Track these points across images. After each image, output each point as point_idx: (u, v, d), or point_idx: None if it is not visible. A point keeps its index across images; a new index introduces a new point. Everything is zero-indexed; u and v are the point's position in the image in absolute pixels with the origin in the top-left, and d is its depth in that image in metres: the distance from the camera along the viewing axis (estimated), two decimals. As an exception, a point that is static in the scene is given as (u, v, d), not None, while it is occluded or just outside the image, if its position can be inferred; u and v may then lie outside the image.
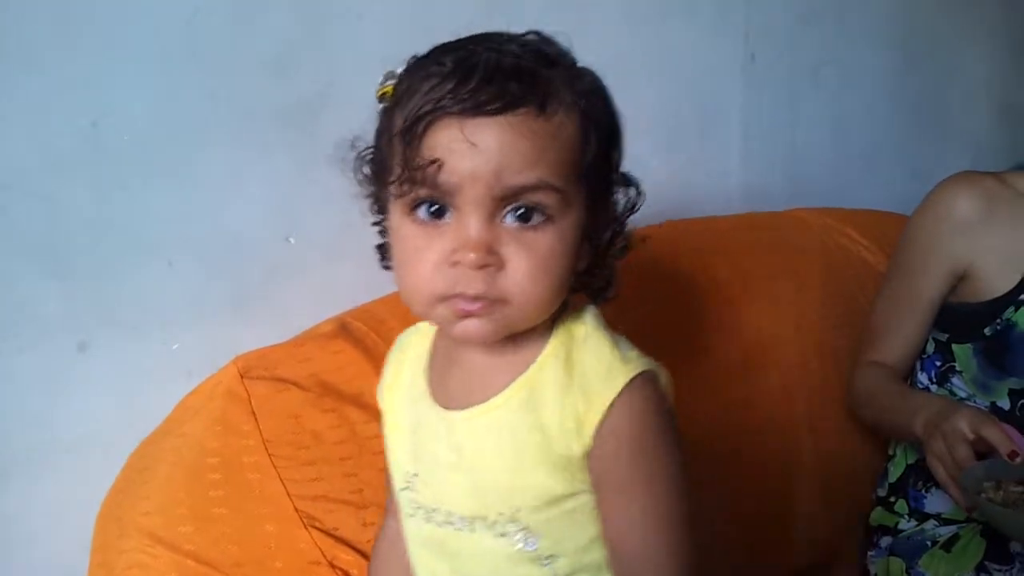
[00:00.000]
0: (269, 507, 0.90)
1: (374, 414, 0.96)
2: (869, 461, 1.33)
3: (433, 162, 0.61)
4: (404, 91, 0.65)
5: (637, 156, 0.72)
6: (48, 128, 0.97)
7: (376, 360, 1.00)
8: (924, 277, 1.17)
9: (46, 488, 1.02)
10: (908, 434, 1.09)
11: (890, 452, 1.27)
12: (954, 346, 1.18)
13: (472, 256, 0.62)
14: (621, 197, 0.70)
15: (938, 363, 1.20)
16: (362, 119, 0.70)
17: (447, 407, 0.72)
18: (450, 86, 0.61)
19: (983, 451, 0.98)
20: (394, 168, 0.64)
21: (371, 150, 0.70)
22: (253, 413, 0.94)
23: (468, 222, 0.62)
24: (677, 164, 1.49)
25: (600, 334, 0.69)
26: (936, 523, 1.18)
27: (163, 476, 0.92)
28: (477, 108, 0.61)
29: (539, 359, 0.69)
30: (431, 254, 0.64)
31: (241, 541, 0.89)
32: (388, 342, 1.02)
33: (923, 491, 1.20)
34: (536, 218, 0.63)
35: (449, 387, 0.73)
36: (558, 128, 0.63)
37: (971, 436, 0.96)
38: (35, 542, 1.03)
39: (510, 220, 0.63)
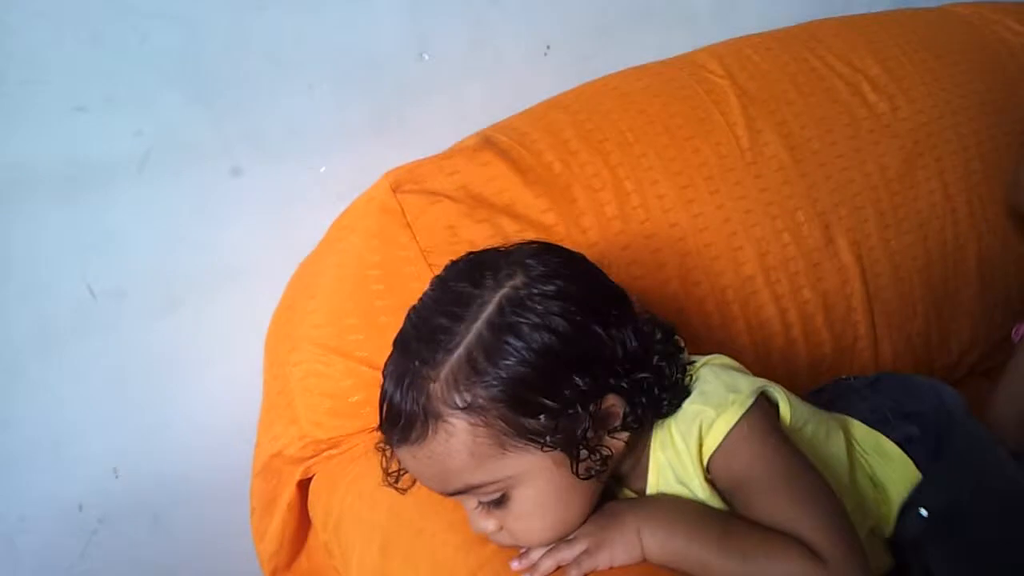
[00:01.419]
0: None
1: (526, 224, 0.96)
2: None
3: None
4: None
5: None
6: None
7: (523, 171, 0.98)
8: None
9: (215, 312, 1.06)
10: None
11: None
12: None
13: (481, 525, 0.70)
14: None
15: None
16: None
17: None
18: (380, 414, 0.71)
19: None
20: None
21: None
22: (408, 225, 0.93)
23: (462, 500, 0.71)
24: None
25: (696, 410, 0.71)
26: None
27: (328, 290, 0.94)
28: (390, 440, 0.70)
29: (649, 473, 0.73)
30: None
31: (409, 348, 0.90)
32: (533, 154, 1.00)
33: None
34: (496, 503, 0.68)
35: None
36: (447, 439, 0.65)
37: None
38: (209, 365, 1.08)
39: (484, 503, 0.69)
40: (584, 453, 0.66)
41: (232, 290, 1.06)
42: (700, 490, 0.71)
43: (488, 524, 0.69)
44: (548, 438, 0.65)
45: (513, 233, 0.95)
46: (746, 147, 1.08)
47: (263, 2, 0.99)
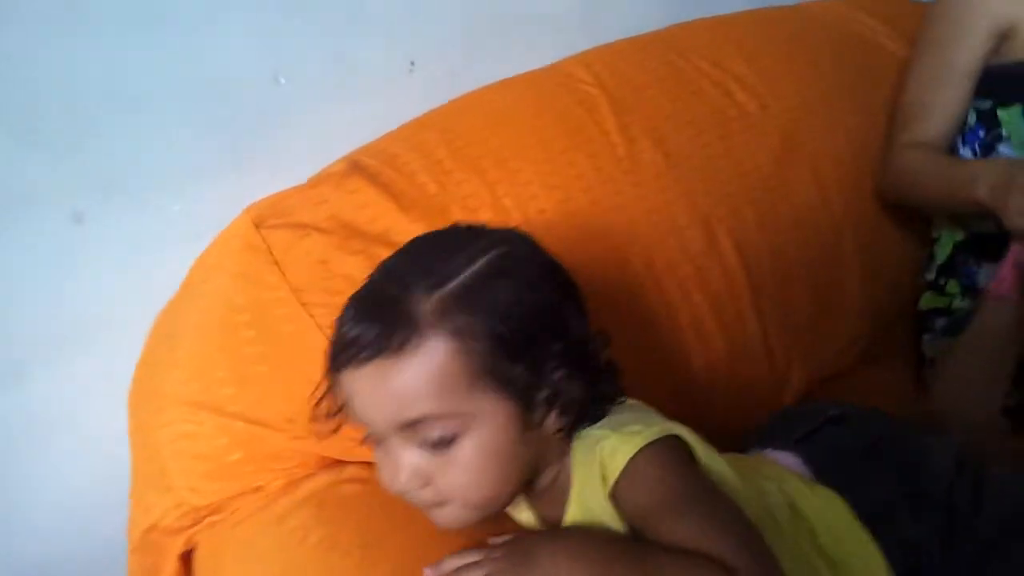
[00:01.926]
0: (311, 357, 0.83)
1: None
2: (910, 251, 1.29)
3: (346, 402, 0.68)
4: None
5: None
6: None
7: (396, 195, 0.93)
8: (963, 42, 1.11)
9: (65, 377, 0.97)
10: (967, 203, 1.03)
11: (934, 235, 1.23)
12: (999, 111, 1.12)
13: (402, 478, 0.67)
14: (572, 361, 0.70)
15: (982, 134, 1.14)
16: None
17: None
18: (335, 338, 0.68)
19: None
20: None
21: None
22: (276, 263, 0.87)
23: (393, 451, 0.68)
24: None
25: (602, 433, 0.70)
26: (991, 296, 1.14)
27: (192, 341, 0.86)
28: (347, 363, 0.66)
29: (571, 496, 0.72)
30: (385, 466, 0.69)
31: (288, 396, 0.83)
32: (405, 176, 0.95)
33: (974, 267, 1.17)
34: (442, 442, 0.66)
35: None
36: (424, 361, 0.65)
37: None
38: (62, 438, 0.98)
39: (425, 446, 0.67)
40: (536, 417, 0.68)
41: (83, 350, 0.96)
42: (608, 518, 0.69)
43: (419, 462, 0.67)
44: (515, 388, 0.66)
45: (391, 262, 0.90)
46: (622, 155, 1.06)
47: (96, 31, 0.90)
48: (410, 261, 0.71)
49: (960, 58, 1.12)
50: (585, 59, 1.16)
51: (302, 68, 1.05)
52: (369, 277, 0.72)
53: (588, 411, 0.71)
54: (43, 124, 0.90)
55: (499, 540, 0.68)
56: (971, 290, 1.17)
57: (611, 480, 0.68)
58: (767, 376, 1.11)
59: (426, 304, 0.65)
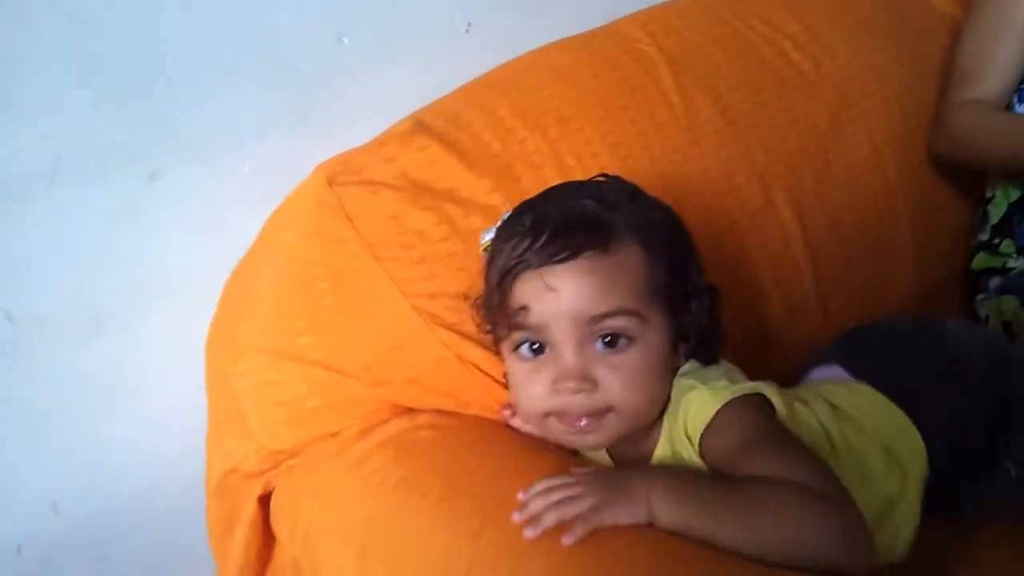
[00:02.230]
0: (386, 309, 0.86)
1: (471, 208, 0.92)
2: (962, 212, 1.30)
3: (521, 308, 0.74)
4: (496, 250, 0.77)
5: None
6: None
7: (462, 153, 0.95)
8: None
9: (145, 330, 1.00)
10: None
11: (988, 195, 1.23)
12: (1056, 68, 1.11)
13: (570, 384, 0.72)
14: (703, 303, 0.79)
15: (1039, 91, 1.14)
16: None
17: None
18: (527, 244, 0.73)
19: None
20: (497, 314, 0.77)
21: (481, 299, 0.80)
22: (349, 218, 0.89)
23: (562, 354, 0.73)
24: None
25: (691, 383, 0.75)
26: (1047, 256, 1.16)
27: (269, 293, 0.88)
28: (550, 258, 0.72)
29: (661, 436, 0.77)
30: (537, 384, 0.74)
31: (365, 345, 0.85)
32: (469, 135, 0.97)
33: (1030, 227, 1.17)
34: (621, 342, 0.73)
35: None
36: (624, 261, 0.73)
37: None
38: (144, 387, 1.02)
39: (599, 347, 0.73)
40: (678, 345, 0.77)
41: (161, 304, 0.99)
42: (694, 461, 0.73)
43: (591, 363, 0.72)
44: (675, 309, 0.76)
45: (459, 218, 0.91)
46: (680, 114, 1.07)
47: (169, -6, 0.93)
48: (575, 192, 0.79)
49: (1017, 14, 1.12)
50: (640, 19, 1.17)
51: (365, 29, 1.07)
52: (523, 208, 0.79)
53: (707, 350, 0.79)
54: (121, 83, 0.93)
55: (584, 471, 0.70)
56: (1027, 250, 1.18)
57: (699, 430, 0.72)
58: (822, 333, 1.13)
59: (621, 220, 0.74)
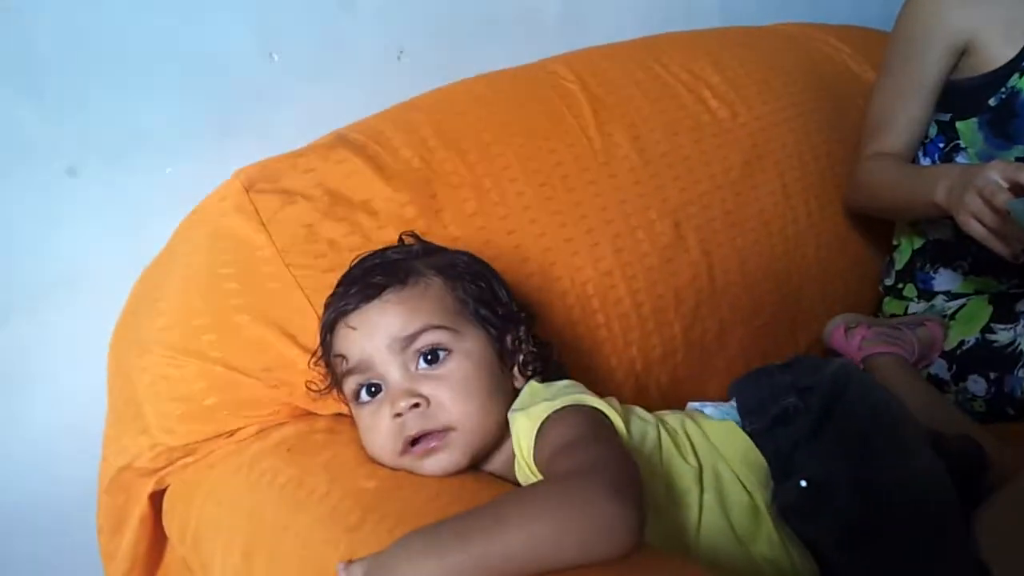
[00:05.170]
0: (292, 315, 0.87)
1: (385, 219, 0.95)
2: (874, 259, 1.36)
3: (340, 356, 0.79)
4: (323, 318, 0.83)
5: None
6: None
7: (379, 167, 0.97)
8: (925, 57, 1.17)
9: (53, 323, 0.99)
10: (927, 207, 1.08)
11: (895, 242, 1.29)
12: (958, 124, 1.18)
13: (401, 403, 0.76)
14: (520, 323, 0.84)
15: (941, 144, 1.21)
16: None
17: None
18: (339, 298, 0.80)
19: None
20: (333, 371, 0.82)
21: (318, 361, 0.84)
22: (263, 224, 0.90)
23: (390, 382, 0.77)
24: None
25: (516, 414, 0.77)
26: (945, 298, 1.22)
27: (177, 290, 0.89)
28: (356, 306, 0.79)
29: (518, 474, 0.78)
30: (381, 420, 0.77)
31: (267, 347, 0.86)
32: (389, 151, 0.99)
33: (930, 272, 1.24)
34: (440, 355, 0.78)
35: None
36: (424, 289, 0.80)
37: (1006, 185, 0.96)
38: (45, 379, 1.00)
39: (422, 364, 0.78)
40: (507, 361, 0.82)
41: (71, 298, 0.99)
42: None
43: (412, 383, 0.76)
44: (490, 326, 0.81)
45: (372, 229, 0.94)
46: (599, 148, 1.11)
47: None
48: (379, 251, 0.85)
49: (924, 70, 1.18)
50: (568, 59, 1.22)
51: (297, 48, 1.10)
52: (354, 265, 0.84)
53: (545, 369, 0.83)
54: (44, 79, 0.94)
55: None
56: (926, 293, 1.23)
57: (530, 453, 0.72)
58: (723, 370, 1.16)
59: (421, 261, 0.82)
